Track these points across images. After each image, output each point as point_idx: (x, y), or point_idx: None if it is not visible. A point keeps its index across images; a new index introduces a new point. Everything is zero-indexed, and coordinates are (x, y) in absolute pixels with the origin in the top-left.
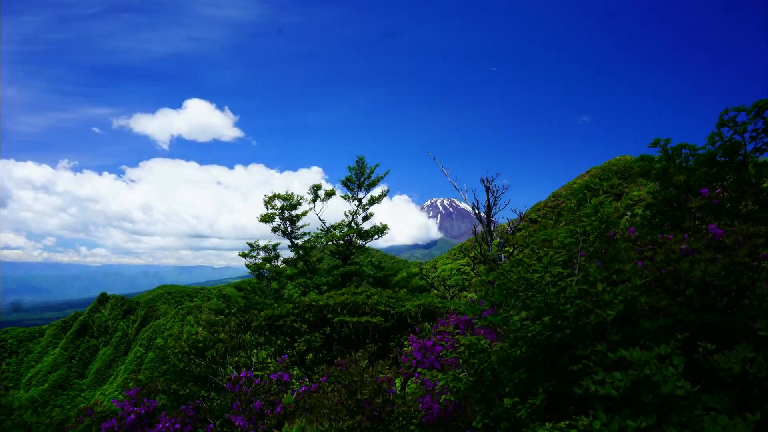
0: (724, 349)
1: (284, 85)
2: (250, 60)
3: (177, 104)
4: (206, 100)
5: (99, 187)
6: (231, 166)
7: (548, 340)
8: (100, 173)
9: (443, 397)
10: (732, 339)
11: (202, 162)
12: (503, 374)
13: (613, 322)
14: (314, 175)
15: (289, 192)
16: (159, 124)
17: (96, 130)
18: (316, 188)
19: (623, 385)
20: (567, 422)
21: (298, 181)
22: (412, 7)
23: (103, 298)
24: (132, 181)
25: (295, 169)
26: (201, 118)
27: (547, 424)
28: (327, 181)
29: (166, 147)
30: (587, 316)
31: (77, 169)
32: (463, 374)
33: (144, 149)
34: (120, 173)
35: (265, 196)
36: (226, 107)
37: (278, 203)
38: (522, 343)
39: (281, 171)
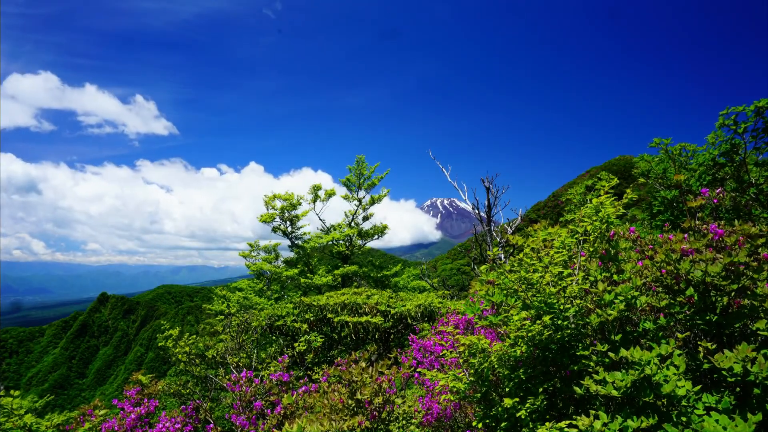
0: (725, 348)
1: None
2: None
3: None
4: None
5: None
6: (130, 164)
7: (549, 340)
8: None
9: (443, 397)
10: (732, 339)
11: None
12: (503, 374)
13: (614, 321)
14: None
15: (289, 192)
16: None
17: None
18: (316, 188)
19: (624, 385)
20: (567, 422)
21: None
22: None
23: (103, 298)
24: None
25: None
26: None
27: (547, 424)
28: (266, 171)
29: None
30: (588, 316)
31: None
32: (463, 374)
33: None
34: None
35: (265, 196)
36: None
37: (278, 203)
38: (522, 343)
39: (198, 168)
